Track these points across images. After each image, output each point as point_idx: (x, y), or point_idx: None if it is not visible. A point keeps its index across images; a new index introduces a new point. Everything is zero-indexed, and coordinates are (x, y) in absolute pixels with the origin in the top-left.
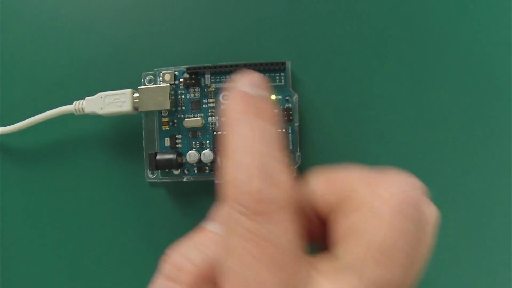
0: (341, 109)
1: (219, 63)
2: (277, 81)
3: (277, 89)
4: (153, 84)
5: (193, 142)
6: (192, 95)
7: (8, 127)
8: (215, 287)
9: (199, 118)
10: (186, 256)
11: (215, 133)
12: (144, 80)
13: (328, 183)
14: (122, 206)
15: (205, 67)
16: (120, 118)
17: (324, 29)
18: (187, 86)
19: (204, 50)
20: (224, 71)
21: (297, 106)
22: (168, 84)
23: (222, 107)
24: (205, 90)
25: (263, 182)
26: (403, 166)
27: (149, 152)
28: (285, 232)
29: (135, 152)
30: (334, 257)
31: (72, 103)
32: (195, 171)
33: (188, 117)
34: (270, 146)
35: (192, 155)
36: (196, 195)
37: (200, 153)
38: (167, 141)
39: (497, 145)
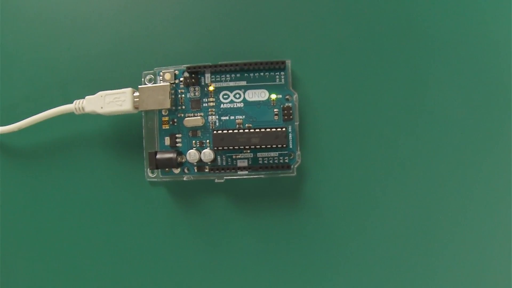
0: (341, 108)
1: (219, 62)
2: (277, 80)
3: (277, 88)
4: (153, 83)
5: (193, 141)
6: (192, 94)
7: (8, 126)
8: None
9: (199, 117)
10: None
11: (215, 132)
12: (144, 79)
13: None
14: (122, 205)
15: (205, 66)
16: (120, 117)
17: (325, 28)
18: (187, 85)
19: (204, 49)
20: (224, 70)
21: (297, 105)
22: (168, 83)
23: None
24: (205, 89)
25: None
26: (403, 166)
27: (149, 151)
28: None
29: (135, 151)
30: None
31: (72, 102)
32: (195, 170)
33: (188, 116)
34: None
35: (192, 154)
36: (196, 194)
37: (200, 152)
38: (167, 140)
39: (497, 145)
